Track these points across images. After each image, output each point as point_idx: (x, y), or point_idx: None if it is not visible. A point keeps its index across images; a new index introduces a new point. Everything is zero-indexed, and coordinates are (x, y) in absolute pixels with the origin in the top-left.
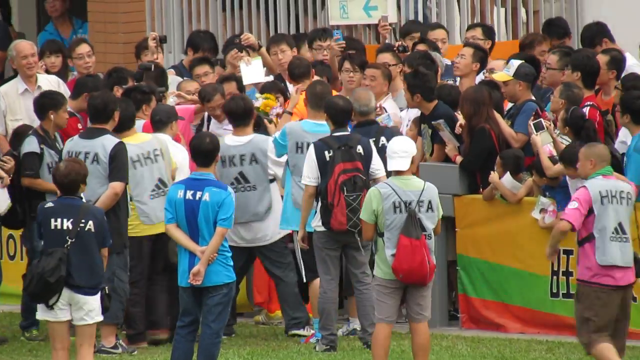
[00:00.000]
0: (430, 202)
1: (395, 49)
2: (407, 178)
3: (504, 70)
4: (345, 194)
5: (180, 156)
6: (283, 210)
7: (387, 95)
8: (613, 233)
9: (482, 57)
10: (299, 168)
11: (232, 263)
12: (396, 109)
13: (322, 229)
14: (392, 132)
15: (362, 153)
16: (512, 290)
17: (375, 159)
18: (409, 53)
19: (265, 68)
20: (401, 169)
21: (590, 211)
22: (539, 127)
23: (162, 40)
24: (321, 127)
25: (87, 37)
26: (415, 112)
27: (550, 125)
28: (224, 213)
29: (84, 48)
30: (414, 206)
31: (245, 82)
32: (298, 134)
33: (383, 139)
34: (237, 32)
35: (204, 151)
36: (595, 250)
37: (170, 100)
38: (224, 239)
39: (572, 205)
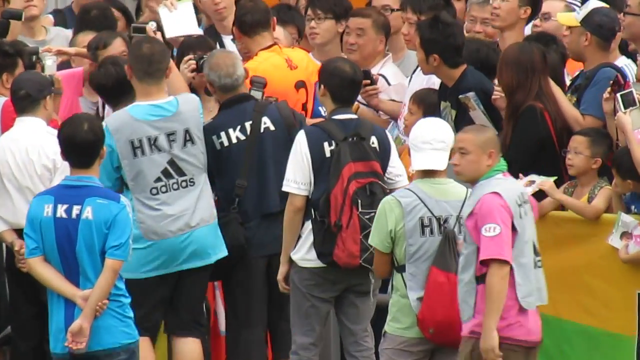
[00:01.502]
0: None
1: None
2: (441, 182)
3: (574, 13)
4: (360, 210)
5: (58, 155)
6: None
7: (385, 57)
8: (534, 257)
9: None
10: (145, 179)
11: (131, 314)
12: (401, 78)
13: (315, 264)
14: (279, 108)
15: (378, 148)
16: (580, 356)
17: (394, 158)
18: None
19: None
20: (437, 167)
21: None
22: (628, 102)
23: None
24: (160, 109)
25: None
26: (421, 82)
27: None
28: (117, 237)
29: None
30: (452, 225)
31: (169, 34)
32: (128, 127)
33: (266, 120)
34: None
35: (80, 144)
36: (515, 288)
37: (49, 64)
38: (118, 277)
39: (492, 230)
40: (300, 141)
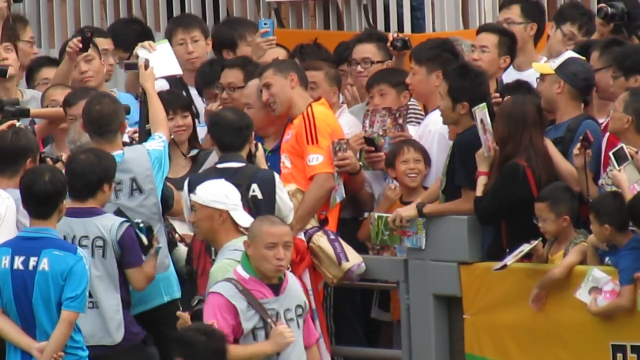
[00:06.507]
0: None
1: (390, 43)
2: None
3: (550, 62)
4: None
5: (2, 206)
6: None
7: (340, 108)
8: None
9: (510, 45)
10: None
11: None
12: (357, 127)
13: None
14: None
15: (260, 196)
16: None
17: (283, 198)
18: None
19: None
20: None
21: None
22: (621, 158)
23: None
24: None
25: None
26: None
27: (637, 153)
28: (73, 289)
29: None
30: None
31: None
32: None
33: None
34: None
35: (38, 194)
36: None
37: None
38: (75, 328)
39: None
40: (184, 189)
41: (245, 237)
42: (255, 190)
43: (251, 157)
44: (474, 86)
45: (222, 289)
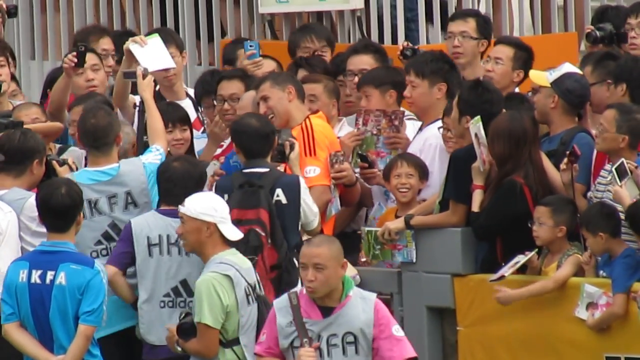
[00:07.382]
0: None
1: (400, 52)
2: (235, 252)
3: (547, 73)
4: None
5: (4, 220)
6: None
7: (340, 122)
8: None
9: (526, 60)
10: (86, 242)
11: None
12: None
13: None
14: None
15: (285, 201)
16: None
17: (308, 203)
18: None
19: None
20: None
21: None
22: (622, 174)
23: (10, 13)
24: (101, 174)
25: None
26: (418, 143)
27: (637, 168)
28: (90, 303)
29: None
30: (259, 290)
31: (149, 70)
32: None
33: None
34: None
35: (55, 208)
36: None
37: None
38: (93, 342)
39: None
40: (212, 191)
41: (231, 250)
42: (279, 195)
43: (284, 157)
44: (479, 103)
45: (278, 300)
